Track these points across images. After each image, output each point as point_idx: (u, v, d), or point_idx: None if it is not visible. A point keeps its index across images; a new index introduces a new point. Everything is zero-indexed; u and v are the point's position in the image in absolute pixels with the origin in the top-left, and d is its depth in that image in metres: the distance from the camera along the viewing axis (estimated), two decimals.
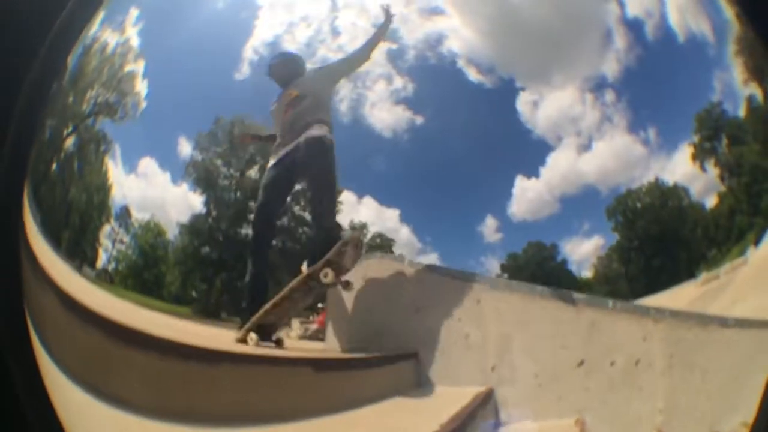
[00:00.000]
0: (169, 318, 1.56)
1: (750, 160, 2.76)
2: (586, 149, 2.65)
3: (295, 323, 2.01)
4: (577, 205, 2.74)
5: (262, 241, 1.93)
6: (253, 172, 2.86)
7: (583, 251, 2.93)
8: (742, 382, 1.34)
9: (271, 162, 1.95)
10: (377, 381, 1.40)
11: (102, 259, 1.73)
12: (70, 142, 1.92)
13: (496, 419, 1.25)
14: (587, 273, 2.83)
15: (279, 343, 1.72)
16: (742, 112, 3.02)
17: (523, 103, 2.56)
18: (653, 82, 2.81)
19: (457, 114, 2.27)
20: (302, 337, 1.78)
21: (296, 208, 2.91)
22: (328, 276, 1.57)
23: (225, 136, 2.42)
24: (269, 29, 2.30)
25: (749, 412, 1.32)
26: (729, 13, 3.06)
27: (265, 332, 1.69)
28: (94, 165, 1.83)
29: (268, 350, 1.51)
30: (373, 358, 1.40)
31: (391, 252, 2.68)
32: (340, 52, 2.47)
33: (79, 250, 1.86)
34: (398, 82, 3.01)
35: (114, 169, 1.68)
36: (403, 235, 3.07)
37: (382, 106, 2.86)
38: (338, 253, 1.57)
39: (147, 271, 1.97)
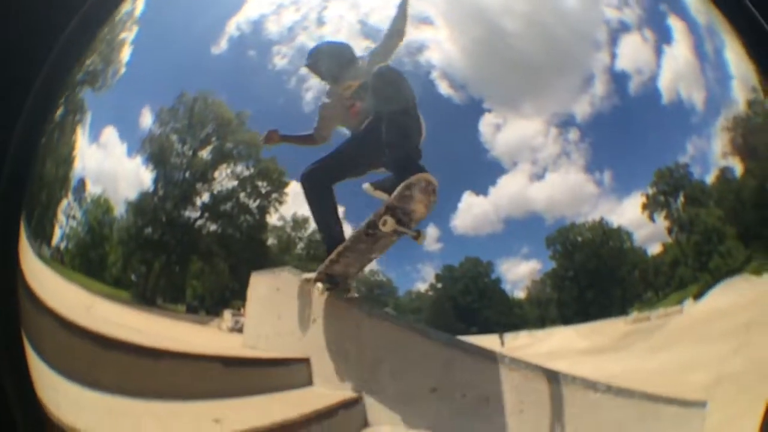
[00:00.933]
0: (109, 305, 1.53)
1: (708, 221, 2.77)
2: (539, 178, 2.71)
3: (227, 315, 2.08)
4: (519, 229, 2.78)
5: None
6: (205, 153, 2.80)
7: (519, 273, 2.96)
8: None
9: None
10: (275, 377, 1.61)
11: (57, 237, 1.64)
12: (58, 113, 1.84)
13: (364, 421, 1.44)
14: (520, 294, 2.85)
15: (347, 290, 1.66)
16: (710, 179, 3.04)
17: (486, 123, 2.63)
18: (621, 132, 2.87)
19: (424, 115, 2.31)
20: (232, 330, 1.87)
21: (242, 195, 2.87)
22: (387, 224, 1.49)
23: (186, 112, 2.41)
24: (257, 8, 2.38)
25: None
26: (740, 94, 3.08)
27: (335, 283, 1.63)
28: (67, 136, 1.76)
29: (189, 348, 1.62)
30: (273, 358, 1.62)
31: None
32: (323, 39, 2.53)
33: (40, 229, 1.79)
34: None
35: (81, 139, 1.62)
36: (345, 233, 3.10)
37: None
38: (401, 198, 1.45)
39: (93, 251, 1.89)
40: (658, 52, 2.78)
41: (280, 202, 3.08)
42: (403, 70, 2.83)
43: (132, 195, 1.95)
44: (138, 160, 1.96)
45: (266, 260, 2.96)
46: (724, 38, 2.86)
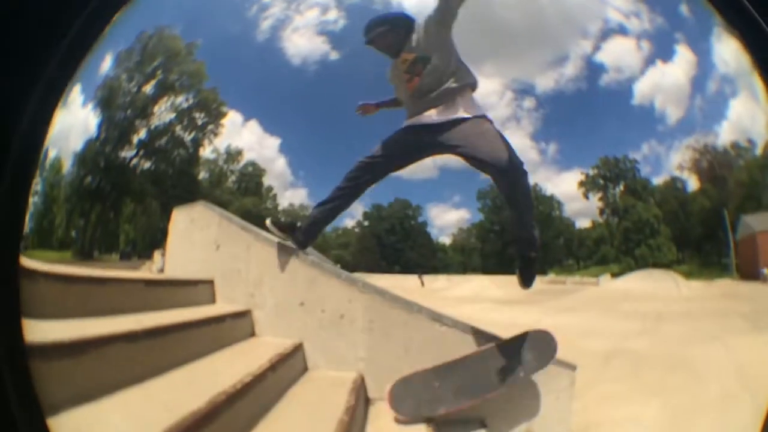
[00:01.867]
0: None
1: (643, 215, 2.77)
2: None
3: (157, 255, 2.20)
4: (454, 178, 2.78)
5: (353, 180, 1.57)
6: (149, 88, 2.64)
7: (447, 220, 2.93)
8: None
9: (405, 124, 1.60)
10: (185, 296, 1.70)
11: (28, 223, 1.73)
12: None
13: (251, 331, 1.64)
14: (445, 239, 2.80)
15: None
16: (658, 181, 3.04)
17: None
18: (578, 113, 2.89)
19: (374, 60, 2.28)
20: (161, 270, 2.02)
21: (178, 128, 2.75)
22: None
23: (140, 50, 2.28)
24: None
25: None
26: (727, 133, 2.91)
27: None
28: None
29: (124, 274, 1.76)
30: (183, 279, 1.76)
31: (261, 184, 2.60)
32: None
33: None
34: (332, 14, 3.07)
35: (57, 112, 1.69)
36: (278, 166, 3.05)
37: (304, 33, 2.92)
38: None
39: (45, 218, 1.85)
40: (648, 63, 2.77)
41: (216, 134, 3.01)
42: (370, 8, 2.77)
43: (79, 146, 1.93)
44: (89, 108, 1.93)
45: (197, 195, 2.85)
46: (739, 89, 2.65)
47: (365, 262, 2.81)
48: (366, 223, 2.60)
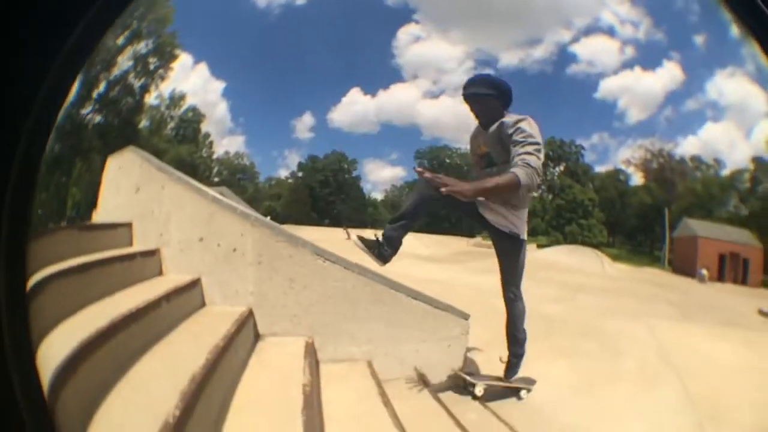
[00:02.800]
0: None
1: (578, 196, 2.84)
2: (433, 97, 2.66)
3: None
4: (394, 136, 2.77)
5: (415, 208, 1.69)
6: (122, 39, 2.48)
7: (381, 176, 2.94)
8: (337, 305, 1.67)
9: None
10: (110, 239, 1.74)
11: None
12: None
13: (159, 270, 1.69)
14: (378, 195, 2.80)
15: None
16: (601, 170, 3.10)
17: (406, 31, 2.55)
18: (534, 93, 2.88)
19: (337, 11, 2.20)
20: None
21: (131, 76, 2.63)
22: None
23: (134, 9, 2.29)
24: None
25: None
26: (690, 147, 2.92)
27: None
28: None
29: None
30: (109, 223, 1.82)
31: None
32: None
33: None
34: None
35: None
36: (219, 112, 2.98)
37: None
38: None
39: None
40: (625, 66, 2.75)
41: (163, 78, 2.91)
42: None
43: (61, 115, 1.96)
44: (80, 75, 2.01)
45: (136, 144, 2.73)
46: (725, 117, 2.64)
47: (296, 213, 2.81)
48: (300, 174, 2.60)
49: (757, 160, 2.81)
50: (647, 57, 2.68)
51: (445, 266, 2.77)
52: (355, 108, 2.59)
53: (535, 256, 2.82)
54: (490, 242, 2.92)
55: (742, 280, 3.19)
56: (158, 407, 0.87)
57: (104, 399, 0.94)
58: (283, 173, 2.67)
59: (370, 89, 2.56)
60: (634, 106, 2.83)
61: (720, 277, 3.18)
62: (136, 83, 2.84)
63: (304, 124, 2.55)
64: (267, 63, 2.68)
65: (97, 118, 2.63)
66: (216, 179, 2.59)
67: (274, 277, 1.63)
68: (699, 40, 2.55)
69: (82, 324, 1.05)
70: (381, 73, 2.57)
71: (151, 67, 2.86)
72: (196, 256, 1.66)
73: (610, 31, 2.83)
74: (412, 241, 2.74)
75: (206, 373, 1.08)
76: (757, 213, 3.04)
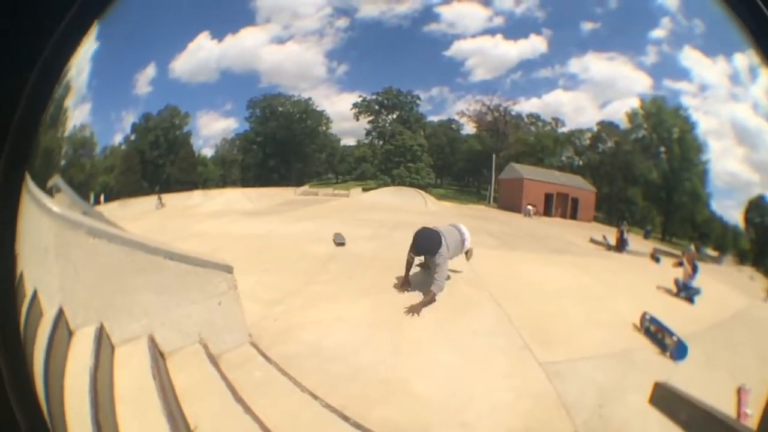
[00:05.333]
0: None
1: (407, 142, 3.06)
2: (280, 42, 2.62)
3: None
4: (231, 84, 2.78)
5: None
6: None
7: (214, 129, 2.99)
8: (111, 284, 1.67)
9: None
10: None
11: None
12: None
13: None
14: (208, 151, 2.86)
15: None
16: (434, 119, 3.26)
17: None
18: (384, 46, 2.89)
19: None
20: None
21: None
22: None
23: None
24: None
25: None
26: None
27: None
28: None
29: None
30: None
31: None
32: None
33: None
34: None
35: None
36: (81, 79, 2.80)
37: None
38: None
39: None
40: (486, 32, 2.73)
41: None
42: None
43: None
44: None
45: None
46: (578, 88, 2.75)
47: (128, 185, 2.68)
48: (133, 137, 2.47)
49: (602, 123, 3.09)
50: (516, 29, 2.79)
51: (267, 218, 2.85)
52: (198, 55, 2.52)
53: (360, 198, 3.05)
54: (316, 190, 3.17)
55: (572, 216, 3.51)
56: None
57: None
58: (117, 138, 2.50)
59: (219, 33, 2.50)
60: (482, 66, 2.97)
61: (546, 213, 3.54)
62: None
63: (146, 78, 2.41)
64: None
65: None
66: (63, 162, 2.37)
67: (67, 267, 1.62)
68: (587, 26, 2.70)
69: None
70: (233, 16, 2.51)
71: None
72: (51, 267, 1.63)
73: (487, 2, 2.90)
74: (237, 196, 2.81)
75: None
76: (595, 164, 3.38)
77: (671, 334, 2.03)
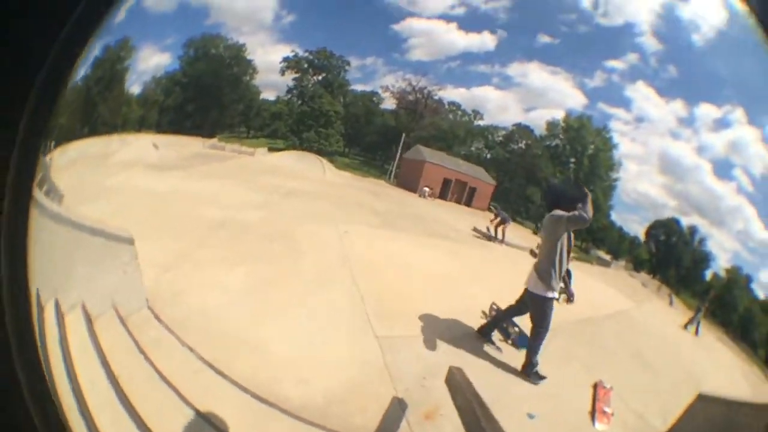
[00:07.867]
0: None
1: (325, 106, 3.16)
2: None
3: None
4: (180, 16, 2.64)
5: None
6: None
7: (147, 66, 2.88)
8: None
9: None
10: None
11: None
12: None
13: None
14: (135, 89, 2.77)
15: None
16: (356, 87, 3.34)
17: None
18: (334, 15, 2.86)
19: None
20: None
21: None
22: None
23: None
24: None
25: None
26: None
27: None
28: None
29: None
30: None
31: None
32: None
33: None
34: None
35: None
36: None
37: None
38: None
39: None
40: (442, 17, 2.71)
41: None
42: None
43: None
44: None
45: None
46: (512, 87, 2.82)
47: (69, 129, 2.54)
48: (90, 72, 2.27)
49: (519, 125, 3.33)
50: (472, 23, 2.80)
51: (169, 173, 2.83)
52: None
53: (263, 159, 3.12)
54: (224, 144, 3.29)
55: (467, 203, 3.65)
56: None
57: None
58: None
59: None
60: (424, 48, 3.03)
61: (442, 197, 3.91)
62: None
63: (127, 4, 2.24)
64: None
65: None
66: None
67: (42, 253, 1.68)
68: (544, 38, 2.75)
69: None
70: None
71: None
72: None
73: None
74: (144, 143, 2.78)
75: None
76: (501, 160, 3.67)
77: (514, 324, 2.32)
